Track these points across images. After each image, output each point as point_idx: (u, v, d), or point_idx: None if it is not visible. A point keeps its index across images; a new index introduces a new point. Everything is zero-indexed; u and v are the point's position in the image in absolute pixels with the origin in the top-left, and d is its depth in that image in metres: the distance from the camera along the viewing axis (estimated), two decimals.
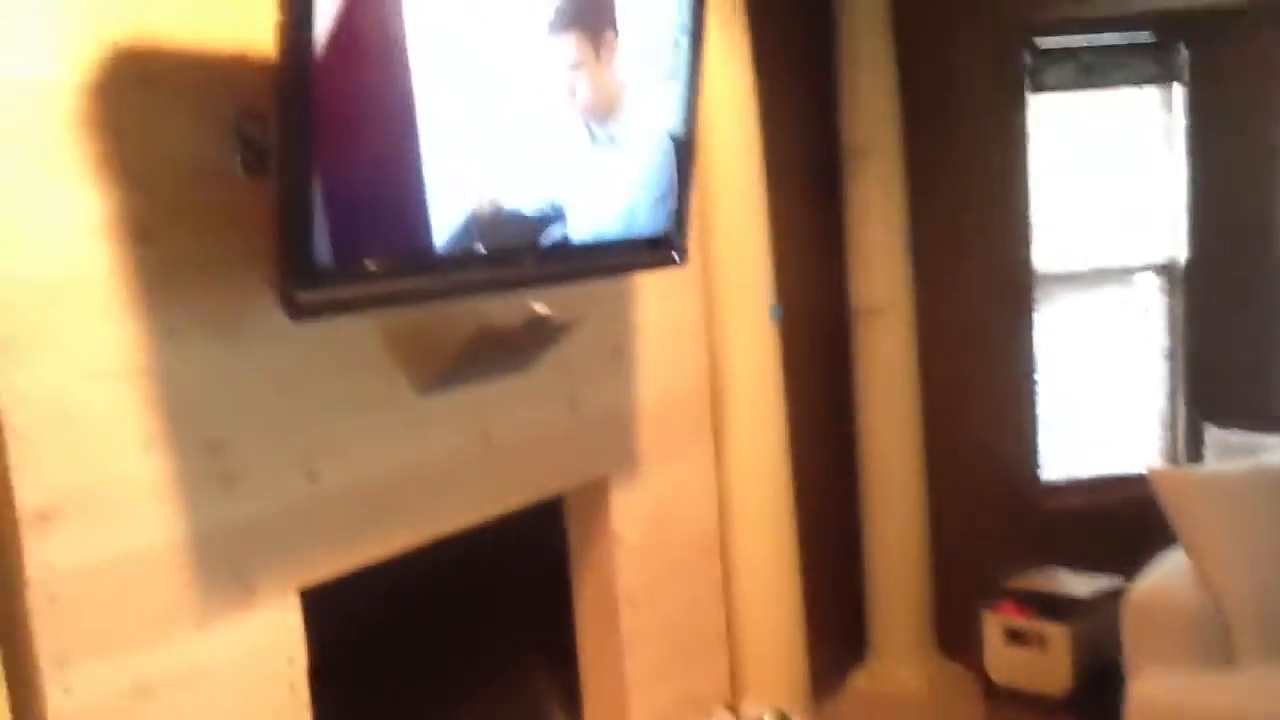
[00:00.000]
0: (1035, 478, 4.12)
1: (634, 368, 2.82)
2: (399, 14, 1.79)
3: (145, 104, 1.78)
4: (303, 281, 1.72)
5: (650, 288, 2.85)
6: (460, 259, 2.00)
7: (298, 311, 1.75)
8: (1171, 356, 4.17)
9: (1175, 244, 4.12)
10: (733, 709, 2.93)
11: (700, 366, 3.08)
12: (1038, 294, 4.07)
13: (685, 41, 2.41)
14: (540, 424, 2.55)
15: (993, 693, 3.63)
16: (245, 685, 1.95)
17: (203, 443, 1.86)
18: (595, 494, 2.78)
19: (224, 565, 1.90)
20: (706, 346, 3.11)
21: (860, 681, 4.25)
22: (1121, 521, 3.80)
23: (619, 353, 2.78)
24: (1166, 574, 3.17)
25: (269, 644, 1.99)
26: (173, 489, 1.83)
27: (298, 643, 2.04)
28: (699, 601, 3.12)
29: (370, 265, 1.84)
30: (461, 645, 2.74)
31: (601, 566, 2.83)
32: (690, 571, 3.08)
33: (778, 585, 3.37)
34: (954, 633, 4.20)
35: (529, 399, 2.51)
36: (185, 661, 1.85)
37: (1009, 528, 4.10)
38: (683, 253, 2.59)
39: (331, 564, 2.09)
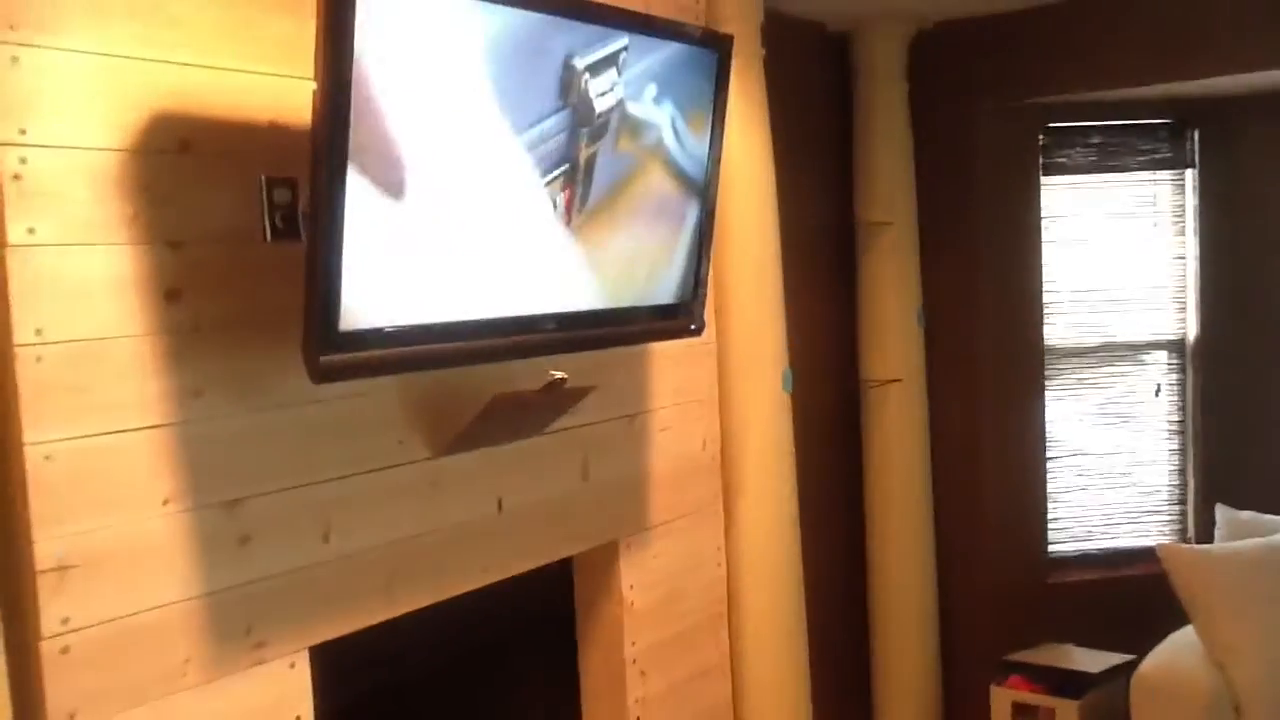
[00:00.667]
0: (1045, 552, 4.12)
1: (647, 434, 2.85)
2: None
3: (179, 168, 1.83)
4: (327, 345, 1.76)
5: (665, 354, 2.88)
6: (479, 326, 2.04)
7: (320, 374, 1.78)
8: (1182, 433, 4.19)
9: (1186, 322, 4.15)
10: None
11: (713, 434, 3.10)
12: (1050, 368, 4.09)
13: (708, 119, 2.46)
14: (553, 489, 2.57)
15: None
16: None
17: (221, 502, 1.89)
18: (605, 559, 2.79)
19: (235, 623, 1.92)
20: (720, 414, 3.13)
21: None
22: (1131, 598, 3.80)
23: (633, 419, 2.81)
24: (1176, 651, 3.16)
25: (277, 702, 1.99)
26: (189, 547, 1.84)
27: (305, 700, 2.04)
28: (707, 671, 3.11)
29: (391, 329, 1.88)
30: (467, 708, 2.74)
31: (609, 631, 2.83)
32: (699, 640, 3.07)
33: (786, 656, 3.35)
34: (962, 707, 4.17)
35: (543, 463, 2.54)
36: (193, 718, 1.86)
37: (1018, 602, 4.08)
38: (700, 323, 2.63)
39: (342, 623, 2.10)
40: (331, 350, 1.77)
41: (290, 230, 1.92)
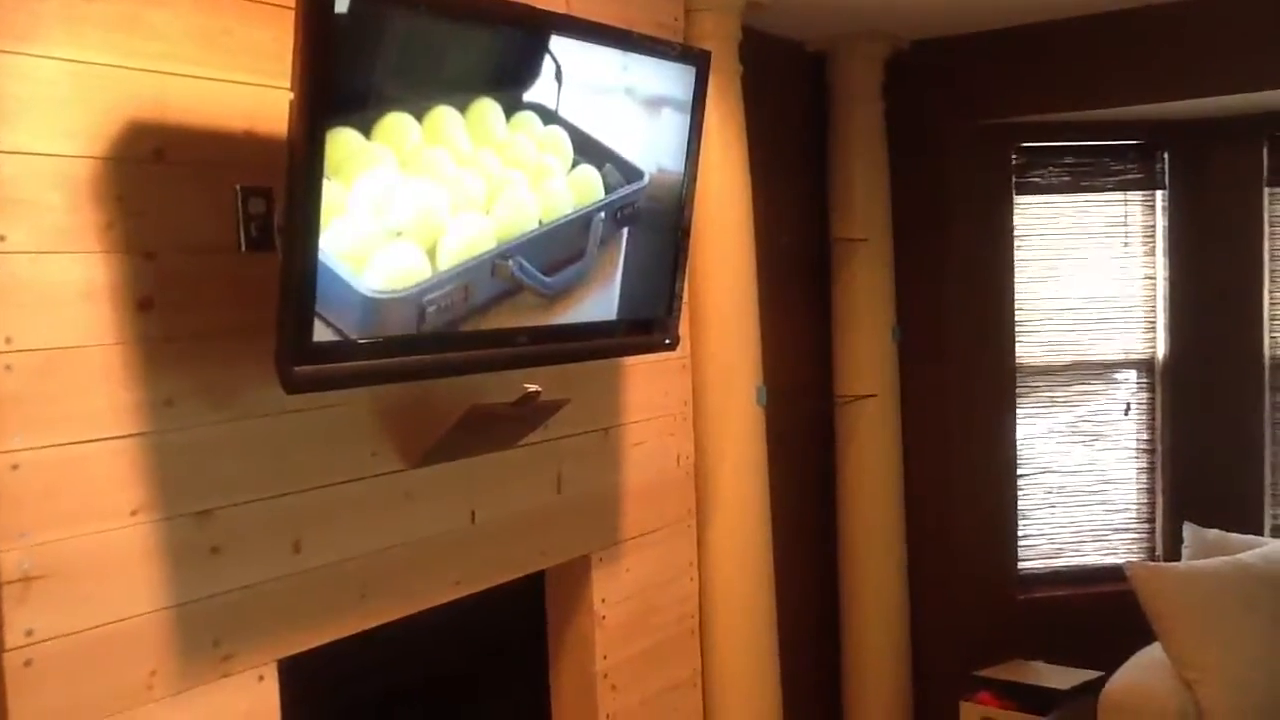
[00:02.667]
0: (1015, 569, 4.15)
1: (621, 448, 2.85)
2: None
3: (153, 177, 1.82)
4: (300, 355, 1.75)
5: (639, 368, 2.89)
6: (454, 338, 2.04)
7: (293, 384, 1.77)
8: (1151, 451, 4.23)
9: (1156, 341, 4.20)
10: None
11: (687, 448, 3.10)
12: (1021, 386, 4.13)
13: (685, 133, 2.47)
14: (526, 501, 2.57)
15: None
16: None
17: (191, 513, 1.87)
18: (577, 572, 2.79)
19: (203, 634, 1.90)
20: (694, 428, 3.14)
21: None
22: (1099, 615, 3.83)
23: (607, 433, 2.81)
24: (1143, 669, 3.19)
25: (245, 715, 1.98)
26: (157, 558, 1.83)
27: (273, 714, 2.03)
28: (679, 685, 3.11)
29: (365, 341, 1.87)
30: None
31: (580, 645, 2.82)
32: (670, 654, 3.07)
33: (757, 670, 3.36)
34: None
35: (516, 476, 2.54)
36: None
37: (988, 618, 4.11)
38: (674, 338, 2.63)
39: (312, 635, 2.09)
40: (304, 361, 1.76)
41: (265, 241, 1.92)
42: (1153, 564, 3.78)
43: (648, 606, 2.98)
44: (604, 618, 2.82)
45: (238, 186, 1.92)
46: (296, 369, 1.75)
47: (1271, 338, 4.01)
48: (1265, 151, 3.97)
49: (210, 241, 1.90)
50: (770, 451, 3.32)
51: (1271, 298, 4.02)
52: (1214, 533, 3.59)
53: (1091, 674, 3.55)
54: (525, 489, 2.57)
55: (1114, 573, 3.79)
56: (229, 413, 1.92)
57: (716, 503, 3.18)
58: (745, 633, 3.28)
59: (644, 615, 2.97)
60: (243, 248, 1.92)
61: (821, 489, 4.02)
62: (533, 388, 2.25)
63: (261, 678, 2.00)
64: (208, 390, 1.89)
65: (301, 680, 2.10)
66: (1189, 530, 3.67)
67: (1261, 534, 3.83)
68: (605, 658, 2.82)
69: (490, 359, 2.16)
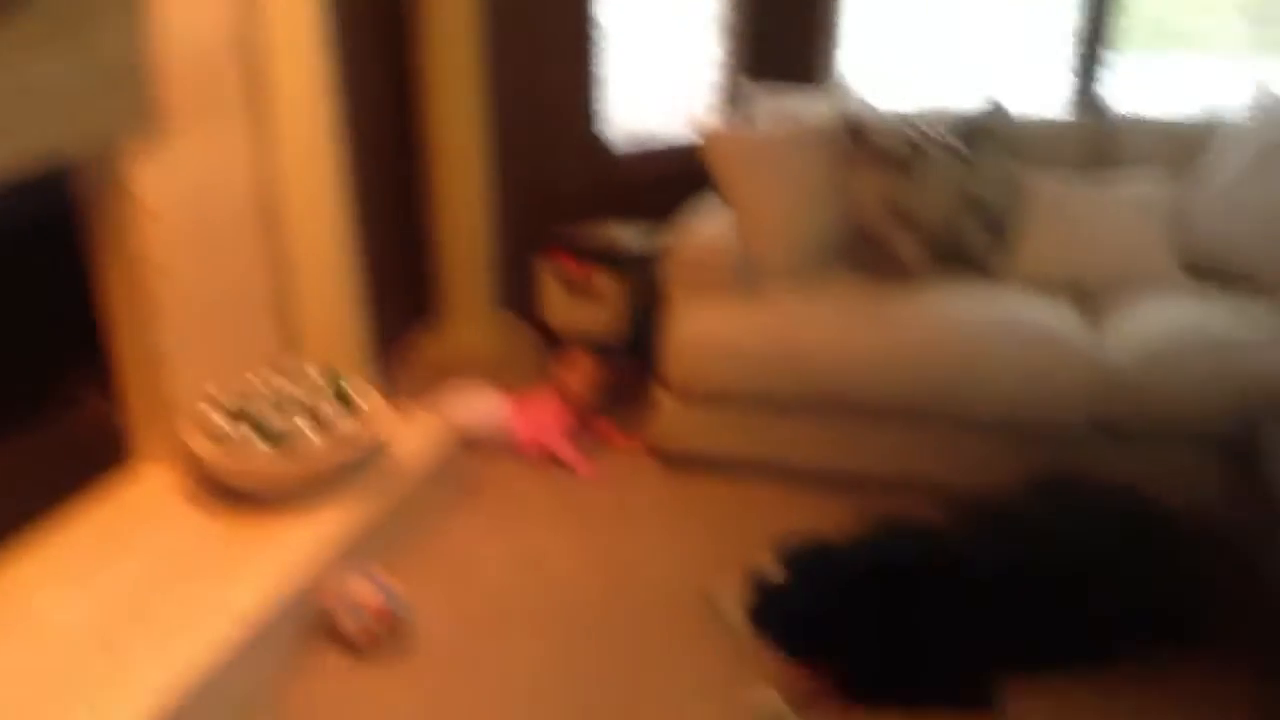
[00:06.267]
0: (597, 135, 4.20)
1: (150, 14, 2.51)
2: None
3: None
4: None
5: None
6: None
7: None
8: (725, 22, 4.28)
9: None
10: (282, 370, 2.89)
11: (231, 17, 2.80)
12: None
13: None
14: (35, 74, 2.23)
15: (551, 339, 3.81)
16: None
17: None
18: (112, 158, 2.53)
19: None
20: None
21: (428, 343, 4.33)
22: (674, 178, 3.99)
23: None
24: (704, 220, 3.38)
25: None
26: None
27: None
28: (245, 271, 3.01)
29: None
30: None
31: (124, 235, 2.62)
32: (233, 242, 2.94)
33: (333, 251, 3.30)
34: (520, 290, 4.34)
35: (20, 43, 2.17)
36: None
37: (572, 185, 4.20)
38: None
39: None
40: None
41: None
42: (721, 125, 3.90)
43: (203, 193, 2.80)
44: (148, 205, 2.61)
45: None
46: None
47: None
48: None
49: None
50: (338, 24, 3.07)
51: None
52: (780, 95, 3.72)
53: (661, 230, 3.73)
54: (34, 58, 2.22)
55: (687, 135, 3.93)
56: None
57: (277, 83, 2.94)
58: (319, 214, 3.19)
59: (199, 203, 2.79)
60: None
61: (397, 45, 3.78)
62: None
63: None
64: None
65: None
66: (756, 91, 3.78)
67: (821, 93, 4.02)
68: (156, 247, 2.65)
69: None
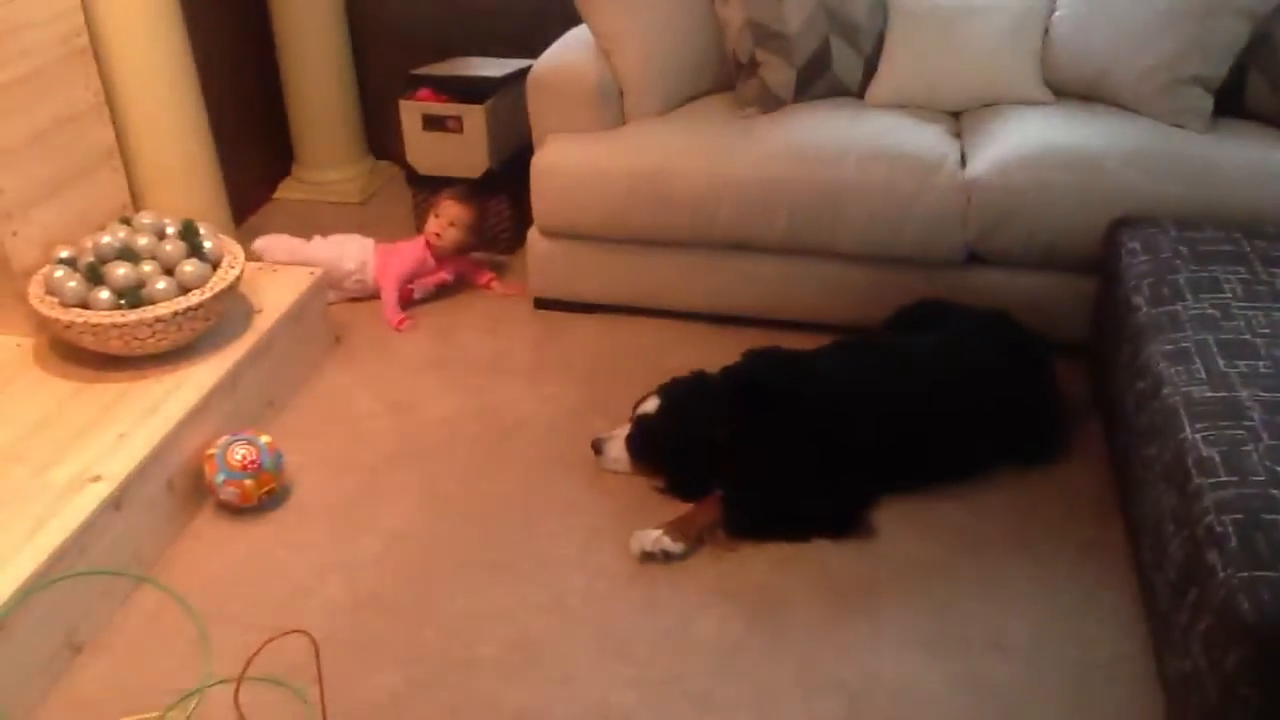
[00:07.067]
0: None
1: None
2: None
3: None
4: None
5: None
6: None
7: None
8: None
9: None
10: (128, 222, 2.74)
11: None
12: None
13: None
14: None
15: (416, 181, 3.69)
16: None
17: None
18: None
19: None
20: None
21: (289, 190, 4.17)
22: (527, 8, 3.85)
23: None
24: (568, 48, 3.27)
25: None
26: None
27: None
28: (78, 117, 2.80)
29: None
30: None
31: None
32: (61, 86, 2.72)
33: (175, 95, 3.11)
34: (381, 131, 4.18)
35: None
36: None
37: (425, 21, 4.02)
38: None
39: None
40: None
41: None
42: None
43: (21, 31, 2.57)
44: None
45: None
46: None
47: None
48: None
49: None
50: None
51: None
52: None
53: (525, 62, 3.59)
54: None
55: None
56: None
57: None
58: (149, 50, 3.00)
59: (18, 39, 2.56)
60: None
61: None
62: None
63: None
64: None
65: None
66: None
67: None
68: None
69: None
